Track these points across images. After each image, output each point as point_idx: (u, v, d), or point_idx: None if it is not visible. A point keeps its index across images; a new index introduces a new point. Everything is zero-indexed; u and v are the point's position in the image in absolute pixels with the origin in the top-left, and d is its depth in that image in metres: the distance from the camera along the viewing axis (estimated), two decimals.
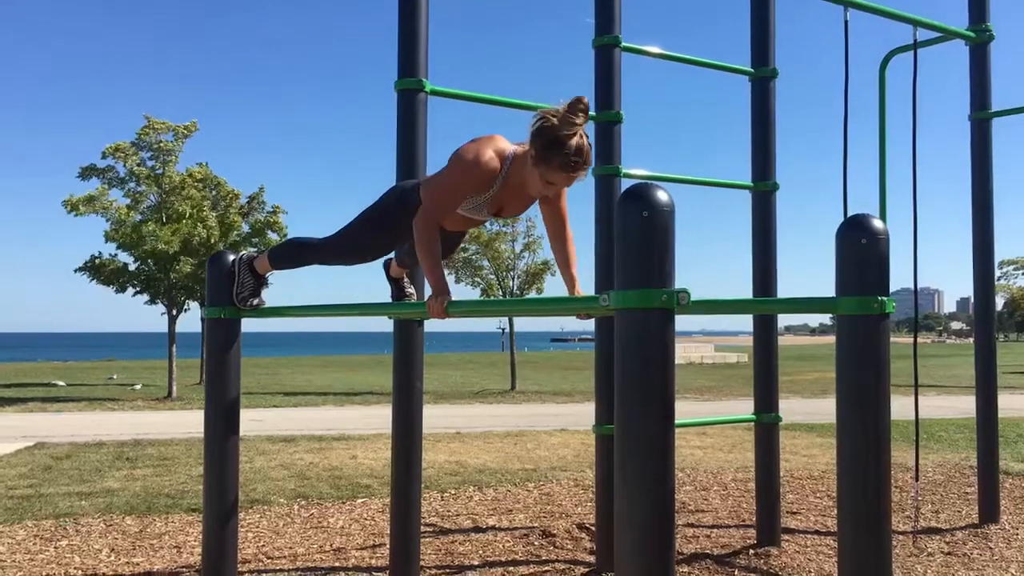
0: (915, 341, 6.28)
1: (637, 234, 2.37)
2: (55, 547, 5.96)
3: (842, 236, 2.61)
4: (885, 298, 2.56)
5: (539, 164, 3.27)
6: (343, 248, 3.88)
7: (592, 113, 5.43)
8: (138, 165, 20.09)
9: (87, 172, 20.16)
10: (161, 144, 20.31)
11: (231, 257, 4.23)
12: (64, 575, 5.33)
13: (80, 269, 20.61)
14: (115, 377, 28.73)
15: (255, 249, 20.02)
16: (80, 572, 5.39)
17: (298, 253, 4.11)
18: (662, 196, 2.40)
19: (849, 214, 3.07)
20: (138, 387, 23.37)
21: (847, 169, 5.73)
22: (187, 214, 19.62)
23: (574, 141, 3.19)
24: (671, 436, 2.39)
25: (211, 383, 4.37)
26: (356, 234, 3.82)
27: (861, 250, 2.57)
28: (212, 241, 19.77)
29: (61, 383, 25.82)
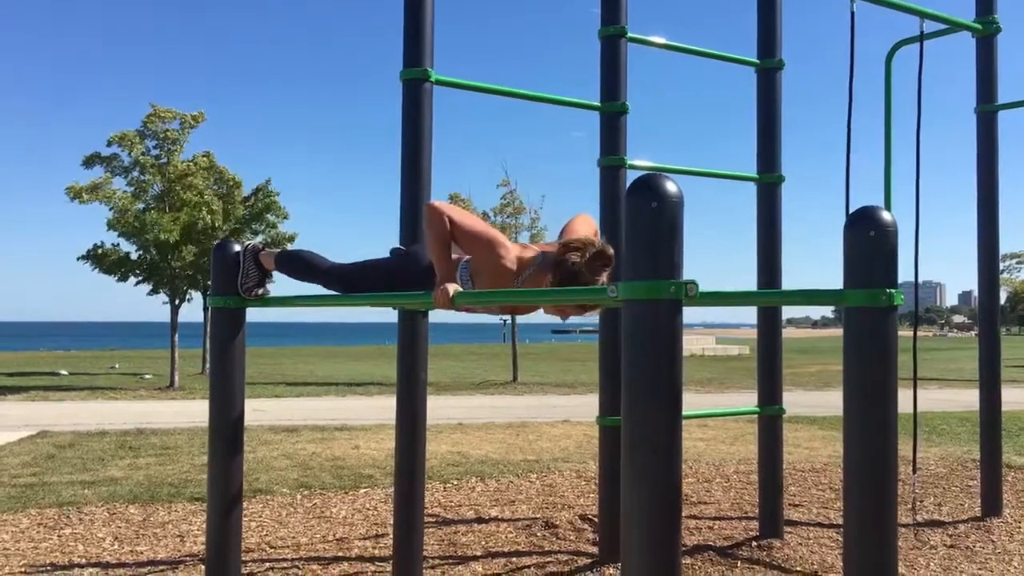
0: (915, 334, 6.27)
1: (645, 225, 2.36)
2: (59, 535, 5.98)
3: (851, 228, 2.59)
4: (893, 290, 2.55)
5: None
6: (347, 285, 3.97)
7: (598, 104, 5.42)
8: (143, 154, 20.07)
9: (91, 160, 20.13)
10: (167, 133, 20.29)
11: (236, 247, 4.23)
12: (68, 563, 5.34)
13: (83, 258, 20.61)
14: (117, 366, 28.76)
15: (260, 239, 20.02)
16: (84, 560, 5.41)
17: (304, 268, 4.14)
18: (671, 187, 2.38)
19: (852, 207, 3.06)
20: (148, 376, 23.21)
21: (850, 161, 5.71)
22: (191, 202, 19.59)
23: (590, 283, 3.24)
24: (679, 428, 2.39)
25: (216, 372, 4.37)
26: (363, 278, 3.92)
27: (870, 242, 2.55)
28: (216, 226, 19.75)
29: (64, 372, 25.85)
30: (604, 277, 3.27)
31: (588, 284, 3.23)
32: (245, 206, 21.16)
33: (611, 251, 3.26)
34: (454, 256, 3.56)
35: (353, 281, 3.94)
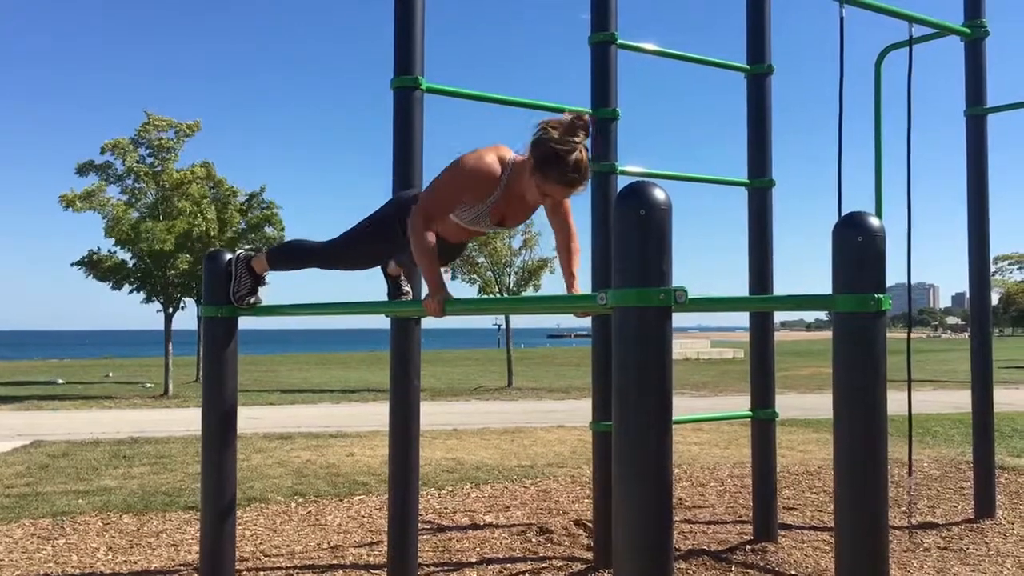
0: (908, 337, 6.29)
1: (634, 232, 2.38)
2: (52, 546, 5.96)
3: (838, 234, 2.62)
4: (881, 295, 2.57)
5: (536, 175, 3.29)
6: (341, 254, 3.92)
7: (588, 111, 5.44)
8: (137, 162, 20.05)
9: (85, 168, 20.09)
10: (161, 141, 20.26)
11: (228, 256, 4.24)
12: (62, 574, 5.33)
13: (77, 264, 20.56)
14: (111, 375, 28.68)
15: (252, 247, 19.99)
16: (78, 571, 5.39)
17: (296, 255, 4.12)
18: (659, 194, 2.40)
19: (844, 211, 3.07)
20: (150, 385, 23.03)
21: (842, 166, 5.74)
22: (186, 211, 19.57)
23: (572, 156, 3.21)
24: (668, 434, 2.40)
25: (208, 381, 4.37)
26: (354, 242, 3.86)
27: (857, 248, 2.58)
28: (211, 235, 19.74)
29: (60, 380, 25.78)
30: (582, 141, 3.22)
31: (567, 153, 3.19)
32: (242, 215, 21.15)
33: (586, 116, 3.23)
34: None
35: (347, 250, 3.89)
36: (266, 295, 4.39)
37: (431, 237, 3.43)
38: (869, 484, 2.59)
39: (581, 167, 3.24)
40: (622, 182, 5.12)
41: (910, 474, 6.39)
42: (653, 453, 2.37)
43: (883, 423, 2.64)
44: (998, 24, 6.85)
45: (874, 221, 2.60)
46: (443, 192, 3.44)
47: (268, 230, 21.43)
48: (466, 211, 3.51)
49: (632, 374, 2.38)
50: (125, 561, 5.61)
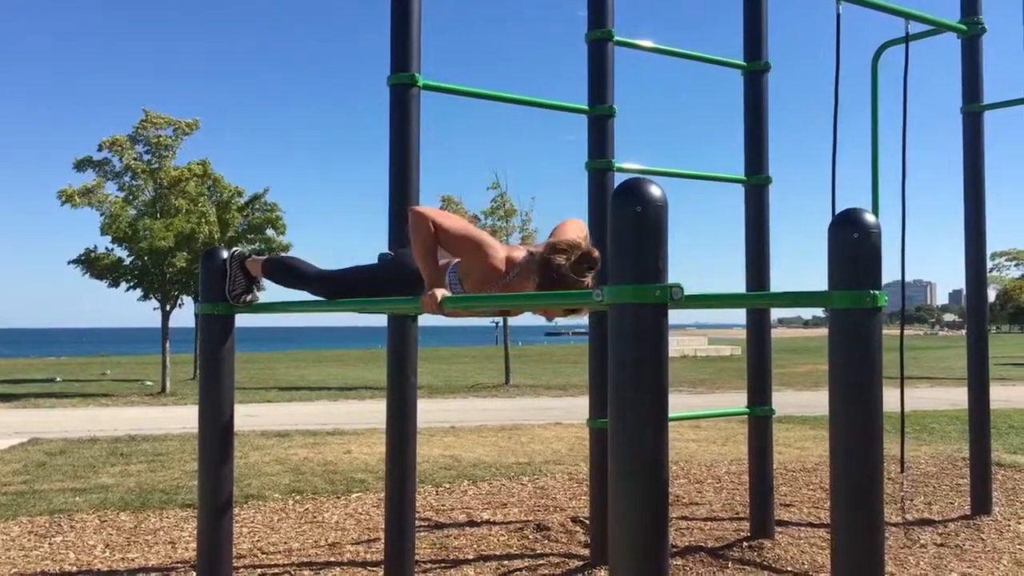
0: (902, 334, 6.30)
1: (630, 229, 2.38)
2: (49, 543, 5.96)
3: (834, 230, 2.61)
4: (877, 292, 2.57)
5: (539, 291, 3.33)
6: (334, 291, 3.98)
7: (585, 108, 5.44)
8: (135, 159, 20.01)
9: (82, 164, 20.06)
10: (159, 139, 20.22)
11: (224, 254, 4.24)
12: (59, 571, 5.33)
13: (74, 262, 20.52)
14: (108, 373, 28.64)
15: (248, 247, 19.97)
16: (75, 568, 5.39)
17: (291, 276, 4.15)
18: (655, 191, 2.40)
19: (839, 208, 3.07)
20: (149, 383, 22.94)
21: (836, 162, 5.74)
22: (183, 209, 19.55)
23: (577, 287, 3.24)
24: (664, 431, 2.40)
25: (205, 379, 4.37)
26: (350, 285, 3.92)
27: (853, 244, 2.57)
28: (215, 237, 19.73)
29: (58, 378, 25.75)
30: (589, 279, 3.28)
31: (573, 286, 3.24)
32: (243, 215, 21.11)
33: (597, 254, 3.26)
34: (442, 261, 3.58)
35: (339, 288, 3.96)
36: (262, 293, 4.39)
37: (432, 236, 3.45)
38: (865, 481, 2.59)
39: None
40: (619, 179, 5.12)
41: (903, 471, 6.40)
42: (649, 450, 2.37)
43: (879, 419, 2.64)
44: (994, 21, 6.85)
45: (870, 218, 2.59)
46: (454, 234, 3.51)
47: (269, 232, 21.39)
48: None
49: (628, 371, 2.38)
50: (122, 559, 5.61)
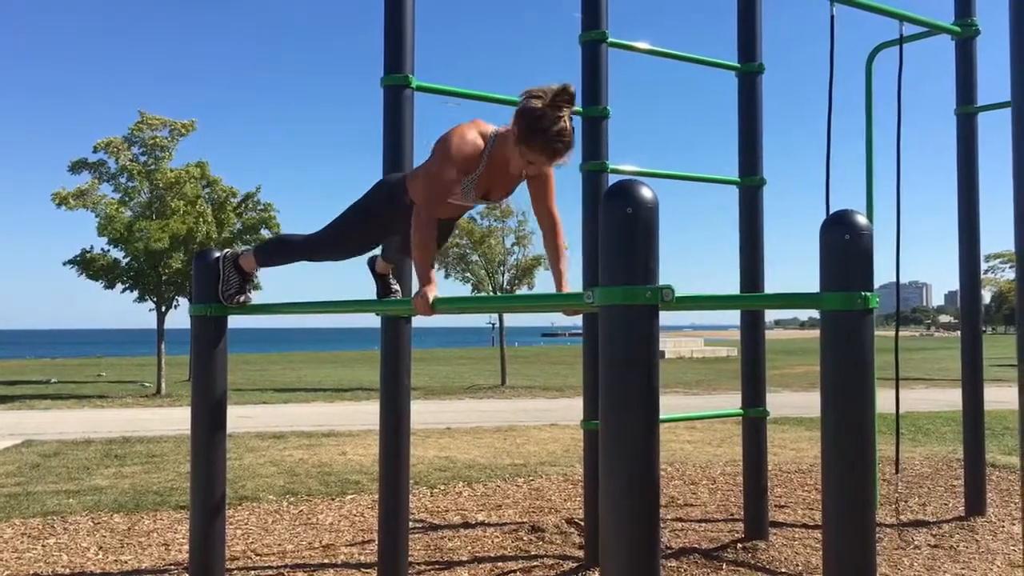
0: (896, 335, 6.31)
1: (621, 230, 2.37)
2: (43, 545, 5.94)
3: (826, 232, 2.61)
4: (869, 293, 2.57)
5: (521, 144, 3.29)
6: (329, 243, 3.88)
7: (579, 108, 5.43)
8: (131, 161, 19.97)
9: (77, 166, 20.02)
10: (155, 140, 20.18)
11: (216, 254, 4.22)
12: (52, 573, 5.31)
13: (70, 262, 20.47)
14: (104, 374, 28.58)
15: (243, 247, 19.92)
16: (68, 571, 5.38)
17: (284, 250, 4.10)
18: (646, 192, 2.40)
19: (833, 209, 3.07)
20: (146, 384, 22.77)
21: (830, 164, 5.74)
22: (180, 210, 19.50)
23: (556, 126, 3.21)
24: (655, 432, 2.39)
25: (198, 380, 4.36)
26: (342, 229, 3.83)
27: (845, 246, 2.57)
28: (212, 237, 19.70)
29: (53, 380, 25.69)
30: (567, 116, 3.23)
31: (553, 123, 3.19)
32: (237, 216, 21.07)
33: (572, 88, 3.22)
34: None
35: (335, 239, 3.86)
36: (259, 293, 4.38)
37: (434, 235, 3.43)
38: (857, 482, 2.59)
39: (565, 136, 3.25)
40: (613, 181, 5.12)
41: (897, 471, 6.40)
42: (640, 451, 2.36)
43: (871, 421, 2.64)
44: (989, 23, 6.87)
45: (861, 219, 2.59)
46: (438, 181, 3.42)
47: (264, 232, 21.36)
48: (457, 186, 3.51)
49: (619, 372, 2.38)
50: (115, 561, 5.59)
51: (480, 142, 3.43)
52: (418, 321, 4.67)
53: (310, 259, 4.02)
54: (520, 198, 27.49)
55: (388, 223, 3.77)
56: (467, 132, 3.43)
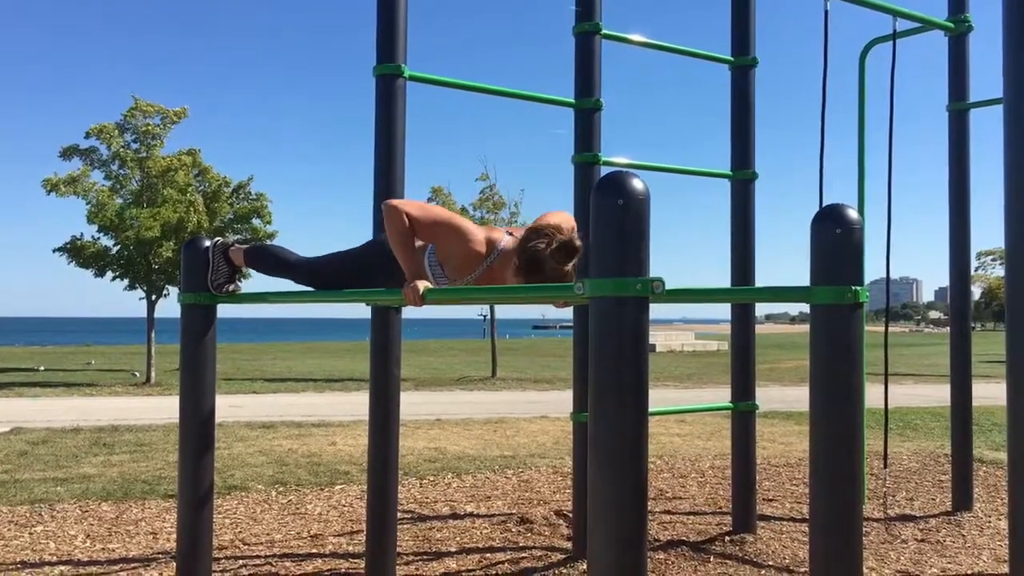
0: (886, 329, 6.32)
1: (611, 222, 2.37)
2: (30, 533, 5.93)
3: (816, 226, 2.61)
4: (859, 288, 2.57)
5: (519, 274, 3.35)
6: (317, 278, 3.96)
7: (572, 101, 5.42)
8: (123, 148, 19.86)
9: (69, 152, 19.89)
10: (148, 127, 20.07)
11: (206, 243, 4.21)
12: (39, 561, 5.30)
13: (59, 250, 20.36)
14: (93, 363, 28.46)
15: (233, 237, 19.84)
16: (55, 558, 5.36)
17: (273, 263, 4.12)
18: (637, 184, 2.39)
19: (826, 203, 3.08)
20: (137, 373, 22.61)
21: (823, 158, 5.75)
22: (171, 199, 19.41)
23: (556, 273, 3.26)
24: (644, 424, 2.39)
25: (186, 369, 4.34)
26: (333, 271, 3.91)
27: (835, 240, 2.57)
28: (203, 226, 19.61)
29: (41, 368, 25.58)
30: (570, 267, 3.28)
31: (552, 272, 3.24)
32: (229, 205, 20.98)
33: (579, 243, 3.25)
34: (419, 243, 3.57)
35: (324, 275, 3.94)
36: (246, 282, 4.37)
37: (407, 228, 3.45)
38: (844, 476, 2.59)
39: (563, 281, 3.31)
40: (605, 173, 5.11)
41: (885, 466, 6.43)
42: (628, 443, 2.36)
43: (859, 415, 2.65)
44: (982, 19, 6.87)
45: (852, 213, 2.59)
46: (430, 223, 3.52)
47: (256, 222, 21.27)
48: (447, 285, 3.57)
49: (608, 364, 2.37)
50: (103, 549, 5.58)
51: (483, 251, 3.49)
52: (409, 312, 4.67)
53: (293, 280, 4.09)
54: (513, 191, 27.44)
55: (376, 281, 3.84)
56: (478, 234, 3.52)
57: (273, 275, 4.14)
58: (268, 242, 19.18)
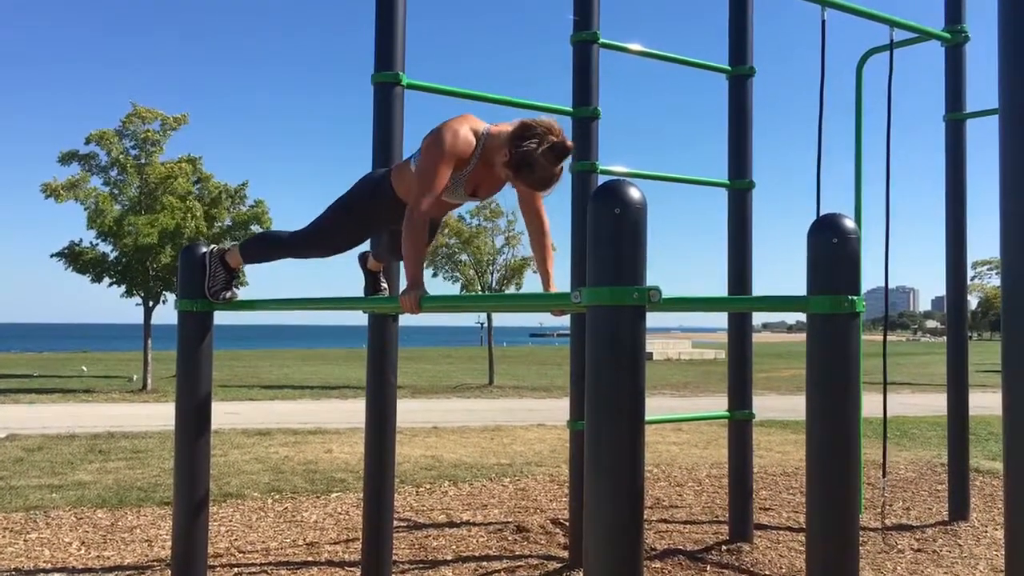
0: (885, 338, 6.32)
1: (608, 231, 2.37)
2: (25, 540, 5.90)
3: (813, 236, 2.62)
4: (855, 297, 2.57)
5: (509, 167, 3.32)
6: (314, 240, 3.87)
7: (569, 109, 5.43)
8: (122, 154, 19.84)
9: (67, 157, 19.86)
10: (147, 133, 20.04)
11: (203, 249, 4.20)
12: (33, 568, 5.28)
13: (57, 255, 20.33)
14: (85, 369, 28.29)
15: (230, 243, 19.80)
16: (49, 566, 5.34)
17: (269, 247, 4.09)
18: (634, 193, 2.39)
19: (823, 212, 3.08)
20: (134, 378, 22.52)
21: (821, 168, 5.76)
22: (169, 205, 19.37)
23: (546, 173, 3.27)
24: (640, 433, 2.39)
25: (183, 376, 4.34)
26: (328, 226, 3.82)
27: (832, 250, 2.58)
28: (203, 232, 19.59)
29: (35, 374, 25.50)
30: (558, 168, 3.28)
31: (542, 172, 3.25)
32: (227, 211, 20.96)
33: (570, 143, 3.26)
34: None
35: (320, 235, 3.84)
36: (244, 290, 4.36)
37: (424, 233, 3.41)
38: (840, 485, 2.59)
39: (551, 182, 3.32)
40: (603, 181, 5.12)
41: (884, 475, 6.43)
42: (625, 452, 2.36)
43: (855, 425, 2.64)
44: (978, 30, 6.89)
45: (848, 223, 2.60)
46: (433, 175, 3.41)
47: (255, 228, 21.25)
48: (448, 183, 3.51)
49: (605, 373, 2.37)
50: (98, 556, 5.56)
51: (472, 139, 3.43)
52: (406, 320, 4.65)
53: (296, 256, 4.01)
54: (509, 198, 27.47)
55: (372, 218, 3.76)
56: (459, 127, 3.43)
57: (273, 259, 4.09)
58: (256, 233, 19.04)
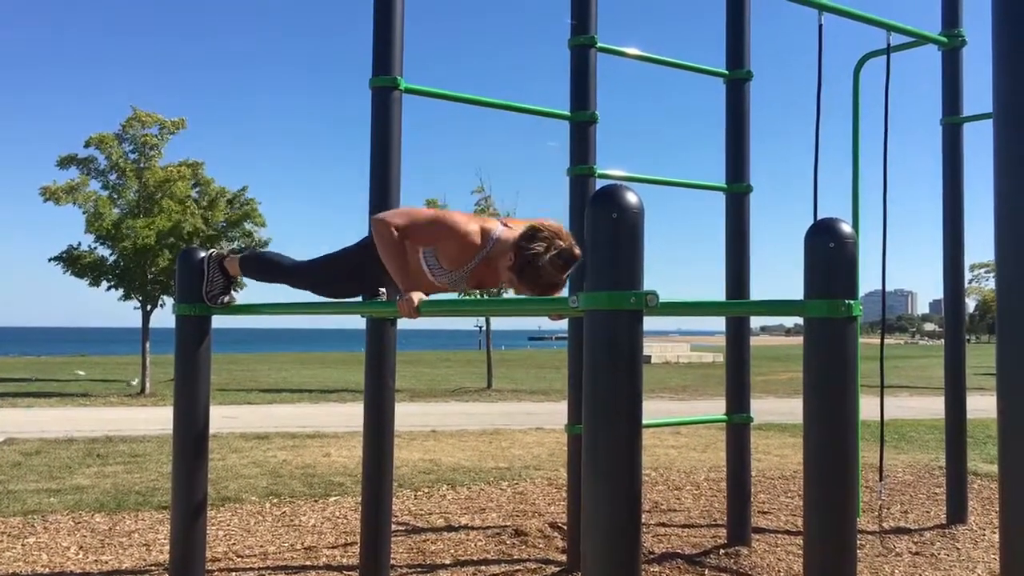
0: (882, 342, 6.33)
1: (606, 236, 2.38)
2: (22, 544, 5.90)
3: (810, 240, 2.63)
4: (852, 301, 2.58)
5: (513, 273, 3.34)
6: (311, 281, 3.96)
7: (567, 113, 5.44)
8: (121, 158, 19.83)
9: (66, 161, 19.85)
10: (146, 138, 20.04)
11: (201, 254, 4.21)
12: (31, 572, 5.27)
13: (55, 259, 20.32)
14: (82, 373, 28.23)
15: (228, 247, 19.80)
16: (47, 570, 5.34)
17: (269, 269, 4.12)
18: (631, 198, 2.40)
19: (820, 216, 3.09)
20: (134, 382, 22.50)
21: (818, 172, 5.77)
22: (168, 209, 19.35)
23: (552, 280, 3.27)
24: (638, 437, 2.40)
25: (181, 380, 4.34)
26: (326, 272, 3.91)
27: (829, 254, 2.58)
28: (200, 230, 19.59)
29: (34, 378, 25.48)
30: (564, 276, 3.29)
31: (548, 278, 3.25)
32: (223, 212, 20.95)
33: (578, 251, 3.24)
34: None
35: (319, 277, 3.92)
36: (241, 293, 4.37)
37: (397, 241, 3.44)
38: (838, 488, 2.60)
39: (556, 289, 3.32)
40: (600, 186, 5.12)
41: (881, 479, 6.43)
42: (622, 456, 2.37)
43: (853, 428, 2.65)
44: (975, 34, 6.90)
45: (845, 227, 2.61)
46: (421, 228, 3.49)
47: (248, 226, 21.23)
48: (444, 275, 3.57)
49: (602, 377, 2.38)
50: (96, 561, 5.56)
51: (478, 240, 3.46)
52: (404, 323, 4.66)
53: (291, 284, 4.08)
54: (510, 203, 27.41)
55: (368, 281, 3.85)
56: (470, 225, 3.48)
57: (269, 281, 4.13)
58: (261, 250, 19.05)
